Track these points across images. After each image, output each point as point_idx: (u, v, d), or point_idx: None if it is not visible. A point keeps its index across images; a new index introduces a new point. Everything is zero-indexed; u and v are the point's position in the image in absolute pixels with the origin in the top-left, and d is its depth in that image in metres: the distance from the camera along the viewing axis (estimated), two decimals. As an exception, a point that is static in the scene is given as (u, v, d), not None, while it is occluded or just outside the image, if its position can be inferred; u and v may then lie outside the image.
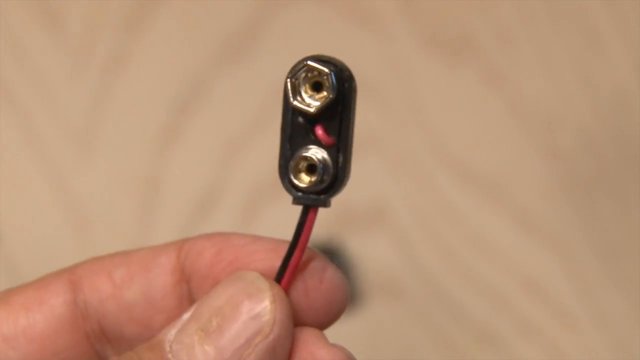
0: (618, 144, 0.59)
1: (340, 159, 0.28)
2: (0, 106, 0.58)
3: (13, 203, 0.56)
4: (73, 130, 0.57)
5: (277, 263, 0.28)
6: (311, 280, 0.28)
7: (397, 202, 0.57)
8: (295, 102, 0.27)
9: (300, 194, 0.28)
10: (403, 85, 0.59)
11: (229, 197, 0.57)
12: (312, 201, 0.28)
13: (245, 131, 0.58)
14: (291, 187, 0.28)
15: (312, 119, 0.27)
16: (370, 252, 0.56)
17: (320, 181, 0.27)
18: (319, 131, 0.27)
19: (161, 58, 0.59)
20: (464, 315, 0.56)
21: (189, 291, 0.29)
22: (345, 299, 0.29)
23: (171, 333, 0.27)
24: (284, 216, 0.56)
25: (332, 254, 0.55)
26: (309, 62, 0.27)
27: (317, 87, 0.27)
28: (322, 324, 0.29)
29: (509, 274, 0.56)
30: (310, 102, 0.27)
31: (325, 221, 0.55)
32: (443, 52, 0.59)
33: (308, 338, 0.28)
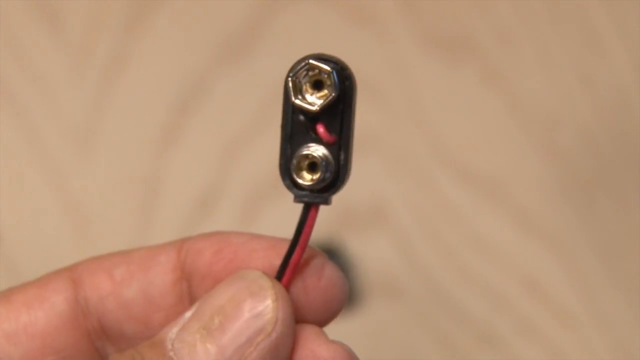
0: (618, 144, 0.59)
1: (342, 157, 0.28)
2: (0, 106, 0.58)
3: (13, 203, 0.56)
4: (73, 130, 0.57)
5: (276, 260, 0.28)
6: (310, 278, 0.28)
7: (397, 202, 0.57)
8: (297, 101, 0.27)
9: (301, 192, 0.28)
10: (403, 85, 0.59)
11: (229, 197, 0.57)
12: (313, 199, 0.28)
13: (245, 131, 0.58)
14: (292, 186, 0.28)
15: (313, 117, 0.27)
16: (370, 252, 0.56)
17: (322, 179, 0.28)
18: (321, 129, 0.27)
19: (161, 58, 0.59)
20: (464, 315, 0.56)
21: (189, 290, 0.30)
22: (343, 296, 0.29)
23: (173, 331, 0.27)
24: (283, 216, 0.56)
25: (332, 254, 0.55)
26: (311, 61, 0.27)
27: (317, 86, 0.27)
28: (321, 321, 0.29)
29: (509, 274, 0.56)
30: (312, 100, 0.27)
31: (325, 221, 0.55)
32: (443, 52, 0.60)
33: (308, 335, 0.28)
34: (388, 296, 0.56)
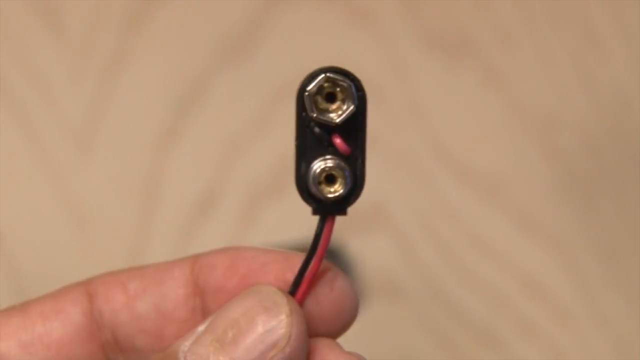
0: (618, 144, 0.59)
1: (359, 167, 0.28)
2: (0, 106, 0.58)
3: (13, 203, 0.56)
4: (73, 130, 0.57)
5: (289, 274, 0.29)
6: (322, 289, 0.29)
7: (397, 202, 0.57)
8: (315, 115, 0.27)
9: (319, 204, 0.28)
10: (403, 86, 0.59)
11: (229, 197, 0.57)
12: (332, 210, 0.28)
13: (245, 131, 0.58)
14: (310, 198, 0.28)
15: (328, 130, 0.27)
16: (370, 252, 0.56)
17: (340, 190, 0.28)
18: (337, 140, 0.28)
19: (161, 58, 0.59)
20: (464, 315, 0.56)
21: (202, 304, 0.30)
22: (355, 306, 0.29)
23: (185, 344, 0.28)
24: (284, 216, 0.56)
25: (332, 254, 0.55)
26: (329, 74, 0.27)
27: (330, 98, 0.27)
28: (334, 333, 0.29)
29: (509, 274, 0.56)
30: (330, 113, 0.27)
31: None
32: (443, 52, 0.59)
33: (322, 348, 0.28)
34: (388, 296, 0.56)
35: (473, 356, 0.55)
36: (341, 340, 0.52)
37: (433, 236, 0.57)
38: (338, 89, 0.27)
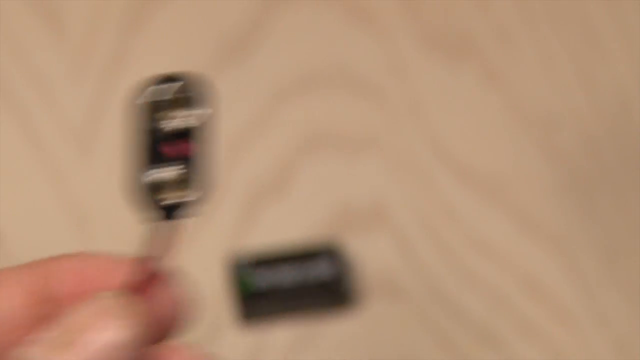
0: (618, 144, 0.59)
1: (203, 171, 0.27)
2: (0, 106, 0.58)
3: (13, 203, 0.56)
4: (73, 130, 0.57)
5: (132, 278, 0.29)
6: (160, 292, 0.29)
7: (397, 202, 0.57)
8: (153, 123, 0.26)
9: (160, 210, 0.27)
10: (403, 85, 0.59)
11: (229, 197, 0.57)
12: (175, 216, 0.28)
13: (245, 131, 0.58)
14: (151, 204, 0.27)
15: (169, 137, 0.27)
16: (370, 252, 0.56)
17: (182, 195, 0.27)
18: (178, 146, 0.27)
19: (161, 58, 0.59)
20: (464, 315, 0.56)
21: (47, 312, 0.30)
22: (189, 307, 0.29)
23: (24, 350, 0.28)
24: (283, 217, 0.56)
25: (332, 254, 0.55)
26: (166, 84, 0.27)
27: (173, 105, 0.27)
28: (173, 333, 0.30)
29: (509, 274, 0.56)
30: (169, 120, 0.27)
31: (325, 221, 0.55)
32: (443, 52, 0.60)
33: (166, 349, 0.29)
34: (388, 296, 0.56)
35: (473, 356, 0.55)
36: (341, 340, 0.52)
37: (433, 236, 0.57)
38: (179, 96, 0.27)
